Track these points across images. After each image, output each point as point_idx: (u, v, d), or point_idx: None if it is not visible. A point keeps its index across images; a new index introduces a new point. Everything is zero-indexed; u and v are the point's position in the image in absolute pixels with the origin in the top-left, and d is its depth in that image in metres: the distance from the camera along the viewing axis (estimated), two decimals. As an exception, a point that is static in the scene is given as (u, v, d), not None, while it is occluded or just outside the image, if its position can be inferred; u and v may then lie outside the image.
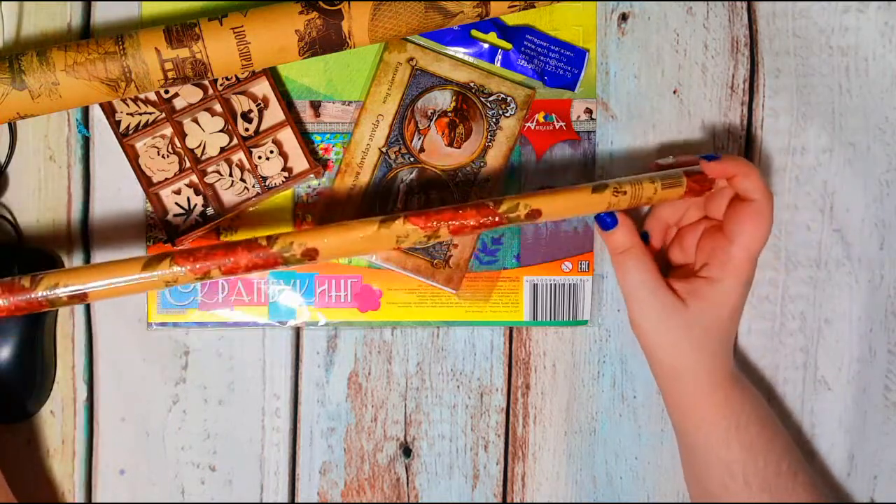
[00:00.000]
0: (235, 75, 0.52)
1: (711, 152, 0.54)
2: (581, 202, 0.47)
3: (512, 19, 0.53)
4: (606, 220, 0.50)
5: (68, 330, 0.54)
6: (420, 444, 0.56)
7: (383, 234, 0.46)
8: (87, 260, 0.54)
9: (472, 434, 0.56)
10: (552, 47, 0.53)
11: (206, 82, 0.52)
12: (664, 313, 0.49)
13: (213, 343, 0.55)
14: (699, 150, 0.55)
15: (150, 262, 0.45)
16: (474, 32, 0.53)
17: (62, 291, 0.44)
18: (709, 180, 0.49)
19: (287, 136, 0.53)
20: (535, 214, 0.46)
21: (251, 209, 0.53)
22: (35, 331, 0.52)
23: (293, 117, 0.53)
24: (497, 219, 0.46)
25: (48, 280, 0.44)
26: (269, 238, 0.46)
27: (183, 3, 0.52)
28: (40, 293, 0.44)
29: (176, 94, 0.52)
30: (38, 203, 0.54)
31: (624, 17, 0.54)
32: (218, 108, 0.52)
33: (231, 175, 0.52)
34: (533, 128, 0.54)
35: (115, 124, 0.51)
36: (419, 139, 0.54)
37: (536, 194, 0.47)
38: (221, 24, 0.47)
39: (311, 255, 0.45)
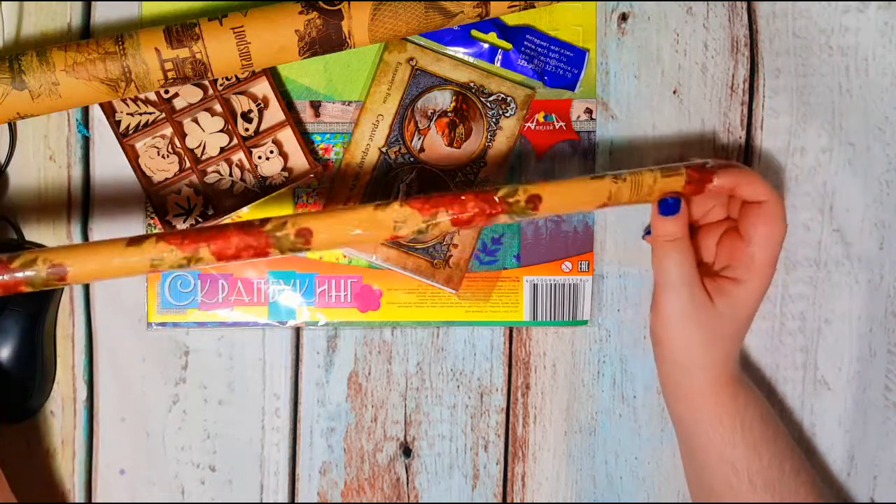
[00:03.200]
0: (235, 75, 0.52)
1: (709, 158, 0.54)
2: (580, 189, 0.46)
3: (512, 19, 0.53)
4: (670, 204, 0.48)
5: (68, 330, 0.54)
6: (420, 444, 0.56)
7: (380, 216, 0.44)
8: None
9: (472, 434, 0.56)
10: (552, 47, 0.53)
11: (206, 82, 0.52)
12: (694, 309, 0.48)
13: (213, 343, 0.55)
14: (699, 151, 0.55)
15: (134, 241, 0.43)
16: (474, 32, 0.53)
17: (43, 270, 0.42)
18: (708, 171, 0.48)
19: (287, 136, 0.53)
20: (534, 200, 0.45)
21: (251, 209, 0.53)
22: (35, 331, 0.52)
23: (293, 117, 0.53)
24: (499, 206, 0.45)
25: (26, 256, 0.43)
26: (262, 220, 0.44)
27: (183, 3, 0.52)
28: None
29: (176, 94, 0.52)
30: (38, 203, 0.54)
31: (624, 17, 0.54)
32: (218, 108, 0.52)
33: (231, 175, 0.52)
34: (533, 128, 0.54)
35: (115, 124, 0.52)
36: (419, 139, 0.54)
37: (537, 182, 0.45)
38: (221, 24, 0.47)
39: (305, 235, 0.43)
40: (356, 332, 0.55)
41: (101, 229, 0.54)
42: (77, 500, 0.55)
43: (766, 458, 0.49)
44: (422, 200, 0.45)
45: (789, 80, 0.55)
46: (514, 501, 0.56)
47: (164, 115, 0.52)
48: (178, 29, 0.47)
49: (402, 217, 0.44)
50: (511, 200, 0.45)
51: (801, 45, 0.55)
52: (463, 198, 0.45)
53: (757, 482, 0.49)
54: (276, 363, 0.55)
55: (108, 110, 0.51)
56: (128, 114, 0.51)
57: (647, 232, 0.53)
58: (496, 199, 0.45)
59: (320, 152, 0.54)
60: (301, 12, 0.47)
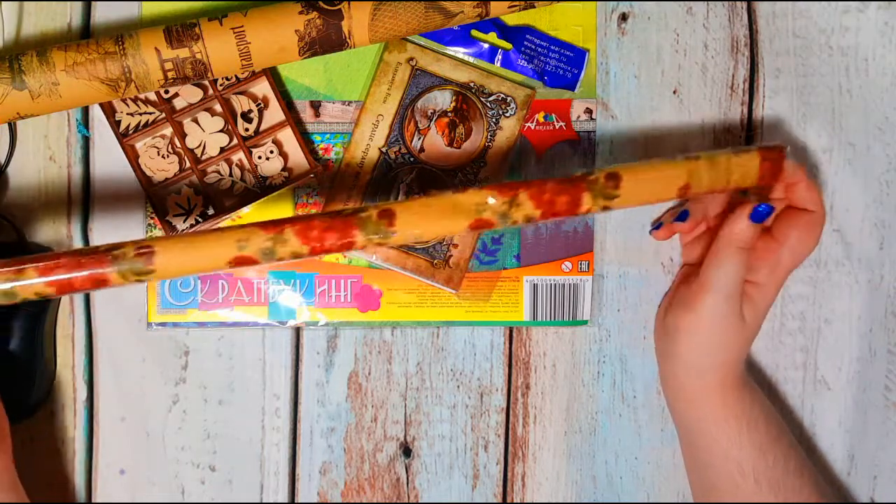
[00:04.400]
0: (235, 75, 0.52)
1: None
2: (659, 169, 0.45)
3: (512, 19, 0.53)
4: (762, 211, 0.48)
5: (68, 330, 0.54)
6: (420, 444, 0.56)
7: (460, 199, 0.43)
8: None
9: (472, 434, 0.56)
10: (552, 47, 0.53)
11: (206, 82, 0.52)
12: (730, 315, 0.49)
13: (213, 343, 0.55)
14: (699, 150, 0.55)
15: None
16: (474, 32, 0.53)
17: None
18: (781, 159, 0.47)
19: (287, 136, 0.53)
20: (614, 178, 0.44)
21: (251, 209, 0.53)
22: (35, 331, 0.52)
23: (293, 117, 0.53)
24: (581, 185, 0.44)
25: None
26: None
27: (183, 3, 0.52)
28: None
29: (176, 94, 0.52)
30: (38, 203, 0.54)
31: (624, 17, 0.54)
32: (218, 108, 0.52)
33: (231, 175, 0.52)
34: (533, 128, 0.54)
35: (115, 124, 0.52)
36: (419, 139, 0.54)
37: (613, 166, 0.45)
38: (221, 24, 0.47)
39: (389, 218, 0.43)
40: (356, 332, 0.55)
41: (101, 229, 0.54)
42: (77, 500, 0.55)
43: (771, 458, 0.49)
44: (505, 188, 0.44)
45: (789, 80, 0.55)
46: (514, 501, 0.56)
47: (164, 115, 0.52)
48: (178, 29, 0.47)
49: (483, 200, 0.43)
50: (591, 178, 0.44)
51: (801, 45, 0.55)
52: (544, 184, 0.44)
53: (762, 482, 0.49)
54: (276, 363, 0.55)
55: (108, 110, 0.51)
56: (128, 114, 0.51)
57: (656, 227, 0.53)
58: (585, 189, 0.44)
59: (320, 152, 0.54)
60: (301, 12, 0.47)
